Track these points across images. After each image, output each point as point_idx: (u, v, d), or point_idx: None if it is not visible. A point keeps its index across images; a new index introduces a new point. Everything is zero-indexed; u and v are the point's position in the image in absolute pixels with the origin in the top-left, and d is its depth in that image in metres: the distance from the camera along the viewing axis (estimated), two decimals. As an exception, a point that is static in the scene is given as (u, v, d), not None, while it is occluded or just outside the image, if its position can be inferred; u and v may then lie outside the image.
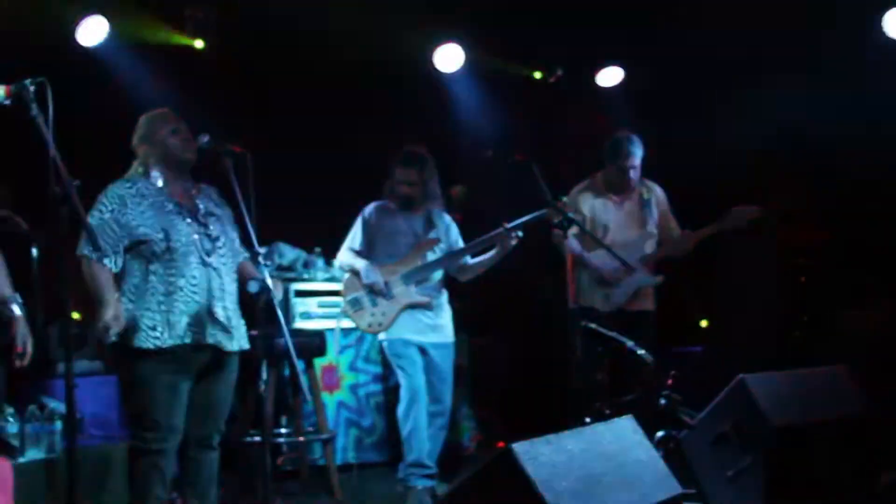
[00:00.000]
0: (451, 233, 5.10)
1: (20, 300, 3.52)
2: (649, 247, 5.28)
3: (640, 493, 3.01)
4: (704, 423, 4.36)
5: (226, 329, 3.84)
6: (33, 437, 4.18)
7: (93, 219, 3.70)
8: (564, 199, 4.85)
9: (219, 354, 3.85)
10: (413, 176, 4.96)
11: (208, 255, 3.84)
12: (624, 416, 3.32)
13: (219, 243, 3.90)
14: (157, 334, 3.69)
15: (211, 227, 3.90)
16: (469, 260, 5.03)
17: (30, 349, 3.50)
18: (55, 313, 3.42)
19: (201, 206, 3.92)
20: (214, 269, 3.85)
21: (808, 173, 6.97)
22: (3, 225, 4.03)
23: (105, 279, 3.70)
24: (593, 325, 4.44)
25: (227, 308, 3.86)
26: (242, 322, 3.99)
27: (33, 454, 4.17)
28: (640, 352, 4.37)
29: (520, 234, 4.85)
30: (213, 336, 3.79)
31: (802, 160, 6.87)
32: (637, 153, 5.20)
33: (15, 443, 4.16)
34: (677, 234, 5.32)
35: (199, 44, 6.08)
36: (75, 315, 4.89)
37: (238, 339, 3.92)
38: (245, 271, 4.02)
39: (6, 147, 4.23)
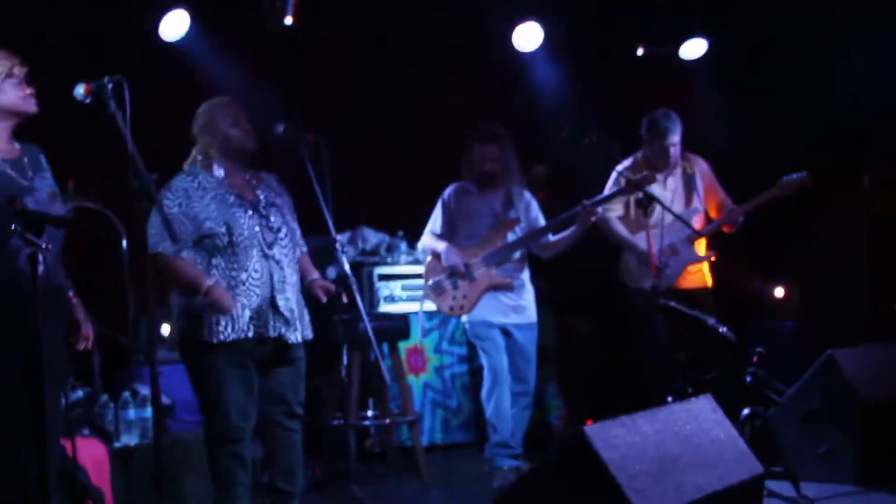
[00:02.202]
0: (531, 211, 5.06)
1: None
2: (697, 222, 5.14)
3: (718, 473, 2.95)
4: (793, 400, 4.26)
5: (288, 321, 3.85)
6: (127, 424, 4.33)
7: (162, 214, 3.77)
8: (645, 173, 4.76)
9: (282, 346, 3.88)
10: (493, 152, 4.93)
11: (269, 247, 3.85)
12: (702, 396, 3.26)
13: (280, 234, 3.91)
14: (221, 328, 3.72)
15: (272, 219, 3.90)
16: (550, 237, 4.99)
17: (91, 333, 3.57)
18: (142, 306, 3.50)
19: (262, 197, 3.93)
20: (276, 261, 3.85)
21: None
22: (94, 219, 4.14)
23: (192, 266, 3.75)
24: (673, 304, 4.36)
25: (289, 300, 3.86)
26: (306, 312, 4.02)
27: (127, 440, 4.31)
28: (722, 329, 4.28)
29: (600, 210, 4.80)
30: (276, 329, 3.82)
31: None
32: (676, 129, 5.07)
33: (110, 429, 4.31)
34: (728, 205, 5.18)
35: (288, 20, 6.05)
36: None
37: (301, 331, 3.94)
38: (303, 266, 4.04)
39: (94, 143, 4.35)
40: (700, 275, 5.17)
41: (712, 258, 5.15)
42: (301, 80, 6.15)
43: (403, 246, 6.02)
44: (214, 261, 3.77)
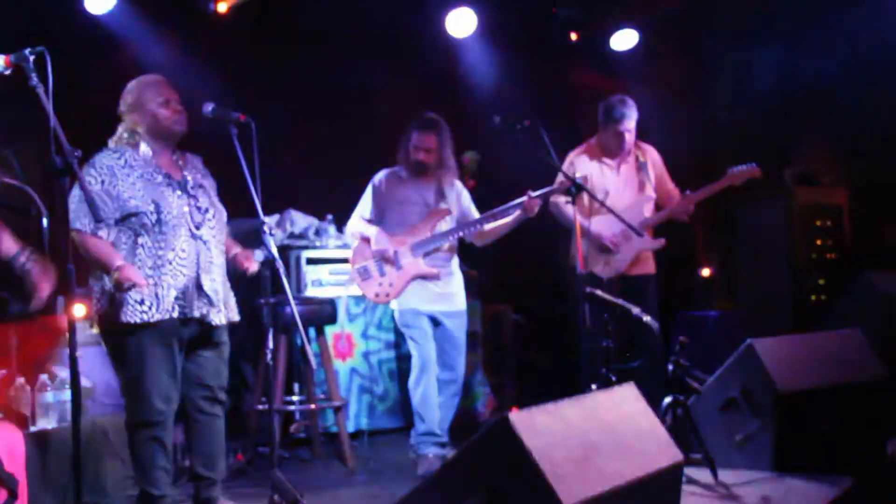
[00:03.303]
0: (462, 201, 5.06)
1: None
2: (648, 210, 5.24)
3: (639, 461, 2.99)
4: (713, 388, 4.35)
5: (212, 302, 3.82)
6: (44, 407, 4.22)
7: (85, 192, 3.68)
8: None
9: (206, 327, 3.84)
10: (430, 142, 4.92)
11: (198, 227, 3.82)
12: (625, 384, 3.31)
13: (208, 216, 3.87)
14: (145, 308, 3.67)
15: (200, 199, 3.88)
16: (486, 226, 4.99)
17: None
18: (62, 285, 3.42)
19: (189, 178, 3.89)
20: (203, 241, 3.83)
21: (829, 131, 6.88)
22: (13, 195, 4.02)
23: (107, 245, 3.68)
24: (598, 292, 4.41)
25: (214, 281, 3.84)
26: (231, 295, 3.98)
27: (44, 423, 4.20)
28: (646, 318, 4.35)
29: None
30: (200, 309, 3.79)
31: (824, 118, 6.78)
32: (632, 116, 5.15)
33: (26, 412, 4.20)
34: (676, 195, 5.28)
35: (222, 7, 5.96)
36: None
37: (225, 312, 3.90)
38: (226, 245, 4.00)
39: (11, 117, 4.23)
40: (648, 262, 5.25)
41: (661, 246, 5.22)
42: (230, 60, 6.06)
43: (332, 230, 5.98)
44: (140, 240, 3.71)
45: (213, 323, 3.83)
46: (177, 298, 3.73)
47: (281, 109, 6.10)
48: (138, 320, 3.66)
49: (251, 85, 5.95)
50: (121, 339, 3.72)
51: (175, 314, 3.72)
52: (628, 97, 5.18)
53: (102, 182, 3.71)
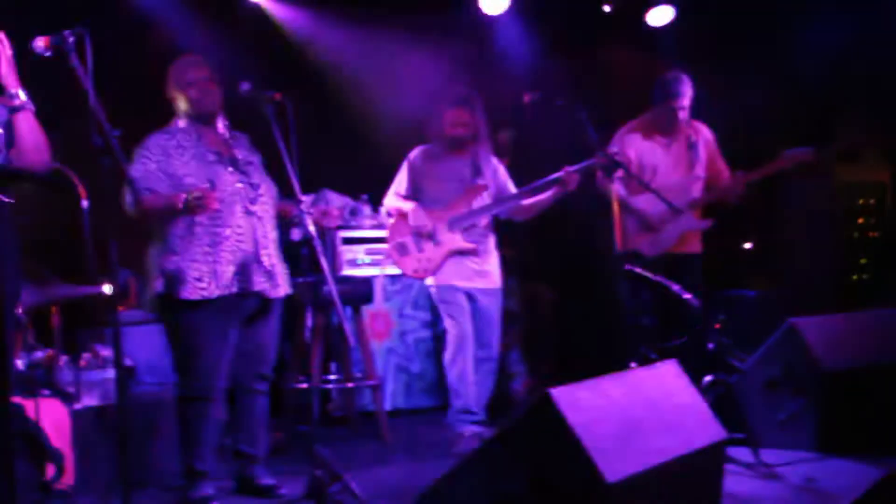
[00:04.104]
0: (498, 176, 5.03)
1: None
2: (697, 190, 5.17)
3: (682, 438, 2.97)
4: (755, 367, 4.31)
5: (270, 276, 3.88)
6: (88, 385, 4.27)
7: (137, 171, 3.75)
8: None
9: (264, 301, 3.90)
10: (464, 116, 4.87)
11: (252, 203, 3.88)
12: (667, 361, 3.28)
13: (260, 191, 3.93)
14: (204, 285, 3.74)
15: (252, 176, 3.93)
16: (524, 202, 4.95)
17: None
18: (104, 264, 3.46)
19: (240, 155, 3.94)
20: (258, 217, 3.89)
21: (872, 109, 6.77)
22: (53, 177, 4.06)
23: (159, 194, 3.75)
24: (639, 270, 4.38)
25: (270, 255, 3.91)
26: (285, 268, 4.03)
27: (88, 401, 4.26)
28: (687, 296, 4.31)
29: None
30: (259, 284, 3.85)
31: (867, 95, 6.67)
32: (686, 93, 5.08)
33: (71, 390, 4.26)
34: (726, 176, 5.21)
35: None
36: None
37: (282, 286, 3.97)
38: (285, 211, 4.04)
39: (53, 99, 4.27)
40: (694, 241, 5.20)
41: (708, 226, 5.17)
42: (267, 40, 6.08)
43: (367, 209, 5.98)
44: (198, 218, 3.75)
45: (271, 296, 3.89)
46: (236, 274, 3.79)
47: (314, 89, 6.11)
48: (198, 297, 3.72)
49: (285, 64, 5.95)
50: (179, 316, 3.78)
51: (234, 289, 3.78)
52: (684, 74, 5.11)
53: (158, 161, 3.80)
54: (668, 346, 4.32)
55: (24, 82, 3.26)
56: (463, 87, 4.98)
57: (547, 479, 2.75)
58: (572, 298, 6.77)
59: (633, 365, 4.23)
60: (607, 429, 2.77)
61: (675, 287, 4.33)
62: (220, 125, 3.98)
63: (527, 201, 4.93)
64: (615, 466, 2.64)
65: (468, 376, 4.87)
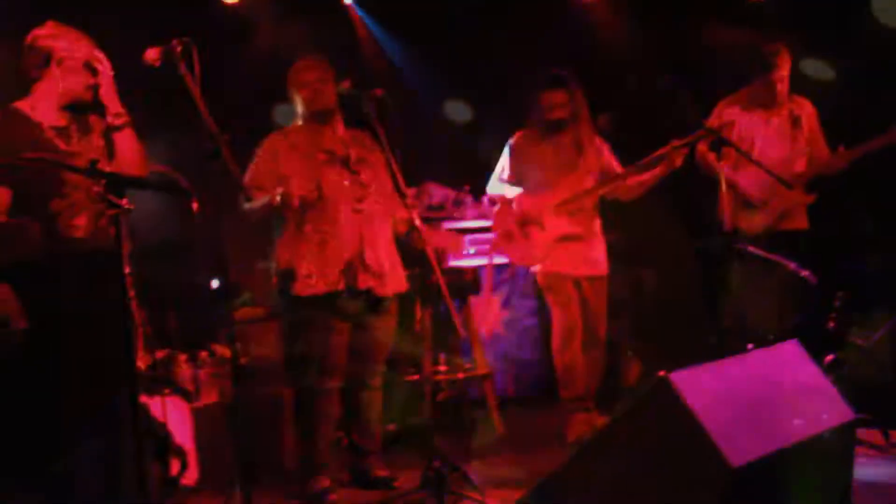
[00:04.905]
0: (602, 156, 4.93)
1: None
2: (800, 164, 5.00)
3: (809, 419, 2.87)
4: (878, 345, 4.15)
5: (378, 275, 3.91)
6: (206, 382, 4.39)
7: (249, 171, 3.87)
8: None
9: (373, 299, 3.93)
10: (560, 98, 4.80)
11: (359, 201, 3.93)
12: (787, 341, 3.18)
13: (371, 190, 3.97)
14: (312, 282, 3.81)
15: (363, 174, 3.98)
16: (630, 181, 4.84)
17: None
18: (215, 266, 3.57)
19: (352, 154, 3.99)
20: (366, 215, 3.93)
21: None
22: (164, 182, 4.19)
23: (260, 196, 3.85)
24: (752, 248, 4.26)
25: (378, 253, 3.93)
26: (399, 265, 4.06)
27: (207, 398, 4.38)
28: (804, 273, 4.17)
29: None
30: (366, 281, 3.88)
31: None
32: (785, 65, 4.92)
33: (190, 388, 4.38)
34: (826, 152, 5.02)
35: None
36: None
37: (392, 284, 3.98)
38: (398, 215, 4.07)
39: (163, 106, 4.39)
40: (799, 217, 5.04)
41: (812, 201, 5.01)
42: (359, 37, 6.14)
43: (470, 200, 5.97)
44: (305, 216, 3.85)
45: (380, 294, 3.92)
46: (342, 272, 3.84)
47: (411, 83, 6.14)
48: (307, 294, 3.80)
49: (382, 61, 5.99)
50: (291, 312, 3.87)
51: (341, 286, 3.83)
52: (782, 45, 4.96)
53: (268, 162, 3.94)
54: (787, 326, 4.19)
55: (136, 92, 3.37)
56: (558, 68, 4.91)
57: (667, 465, 2.70)
58: (680, 281, 6.64)
59: (749, 347, 4.12)
60: (729, 412, 2.69)
61: (792, 264, 4.20)
62: (338, 124, 4.05)
63: (632, 180, 4.84)
64: (739, 450, 2.57)
65: (577, 364, 4.82)
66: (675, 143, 4.60)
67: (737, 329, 4.33)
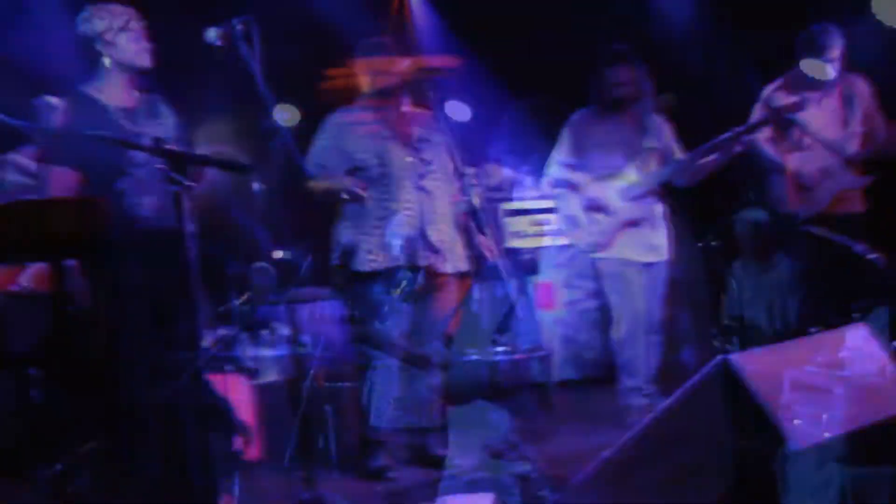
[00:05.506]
0: (663, 135, 4.81)
1: None
2: (853, 145, 4.85)
3: (875, 405, 2.81)
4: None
5: (438, 251, 3.94)
6: (267, 360, 4.45)
7: (315, 146, 4.01)
8: None
9: (433, 276, 3.96)
10: (624, 75, 4.71)
11: (421, 178, 3.96)
12: (854, 325, 3.11)
13: (432, 167, 4.00)
14: (374, 257, 3.87)
15: (426, 153, 4.00)
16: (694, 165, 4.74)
17: None
18: (277, 244, 3.62)
19: (416, 132, 4.02)
20: (428, 192, 3.97)
21: None
22: (225, 160, 4.25)
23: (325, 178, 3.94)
24: (817, 230, 4.17)
25: (440, 231, 3.97)
26: (460, 244, 4.08)
27: (268, 376, 4.44)
28: (871, 255, 4.07)
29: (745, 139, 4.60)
30: (426, 258, 3.91)
31: None
32: (835, 45, 4.76)
33: (252, 366, 4.44)
34: (885, 131, 4.87)
35: None
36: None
37: (452, 262, 4.01)
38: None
39: (222, 85, 4.44)
40: (853, 200, 4.90)
41: (867, 183, 4.88)
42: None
43: (530, 180, 5.95)
44: (368, 192, 3.94)
45: (440, 271, 3.97)
46: (403, 248, 3.88)
47: (473, 63, 6.11)
48: (368, 269, 3.87)
49: (441, 42, 5.98)
50: (353, 288, 3.95)
51: (402, 262, 3.87)
52: (831, 25, 4.82)
53: (332, 139, 4.01)
54: (851, 310, 4.10)
55: (198, 71, 3.42)
56: (617, 44, 4.82)
57: (727, 448, 2.67)
58: (740, 264, 6.54)
59: (813, 330, 4.04)
60: (793, 395, 2.65)
61: (859, 247, 4.10)
62: (404, 102, 4.07)
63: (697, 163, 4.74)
64: (802, 433, 2.53)
65: (636, 349, 4.76)
66: (737, 128, 4.52)
67: (801, 312, 4.26)
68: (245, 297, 4.61)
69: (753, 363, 2.65)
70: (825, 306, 4.19)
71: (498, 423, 3.85)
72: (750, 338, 4.29)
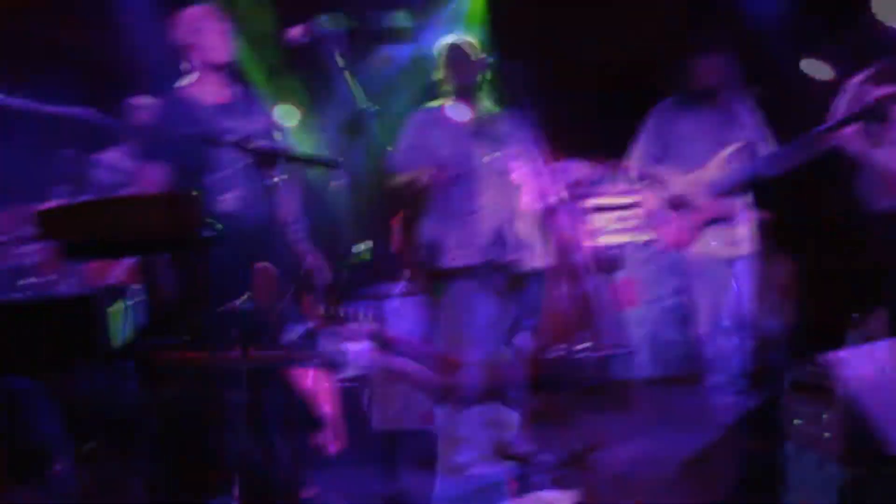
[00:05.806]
0: (752, 127, 4.70)
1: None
2: None
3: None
4: None
5: (521, 248, 3.96)
6: (347, 356, 4.48)
7: (400, 145, 4.03)
8: None
9: (515, 273, 3.97)
10: (712, 64, 4.62)
11: (502, 175, 3.97)
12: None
13: (513, 164, 4.03)
14: (457, 255, 3.89)
15: (506, 150, 4.04)
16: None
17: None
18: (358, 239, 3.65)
19: (495, 130, 4.06)
20: (509, 189, 3.98)
21: None
22: (312, 156, 4.32)
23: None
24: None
25: (519, 228, 3.98)
26: (541, 241, 4.08)
27: (351, 371, 4.48)
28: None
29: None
30: (507, 255, 3.93)
31: None
32: None
33: (333, 361, 4.48)
34: None
35: None
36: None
37: (534, 258, 4.03)
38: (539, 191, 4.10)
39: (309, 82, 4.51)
40: None
41: None
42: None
43: (610, 177, 5.88)
44: (451, 189, 3.97)
45: (522, 268, 3.98)
46: (485, 245, 3.89)
47: (545, 59, 6.06)
48: (451, 266, 3.89)
49: (514, 35, 5.95)
50: (437, 284, 3.99)
51: (483, 259, 3.88)
52: None
53: (415, 136, 4.05)
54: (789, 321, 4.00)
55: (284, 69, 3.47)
56: (709, 31, 4.72)
57: (818, 448, 2.60)
58: (831, 261, 6.39)
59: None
60: (888, 395, 2.57)
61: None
62: (483, 99, 4.12)
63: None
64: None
65: (724, 347, 4.68)
66: (830, 122, 4.39)
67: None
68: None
69: (853, 361, 2.58)
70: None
71: (583, 421, 3.83)
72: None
